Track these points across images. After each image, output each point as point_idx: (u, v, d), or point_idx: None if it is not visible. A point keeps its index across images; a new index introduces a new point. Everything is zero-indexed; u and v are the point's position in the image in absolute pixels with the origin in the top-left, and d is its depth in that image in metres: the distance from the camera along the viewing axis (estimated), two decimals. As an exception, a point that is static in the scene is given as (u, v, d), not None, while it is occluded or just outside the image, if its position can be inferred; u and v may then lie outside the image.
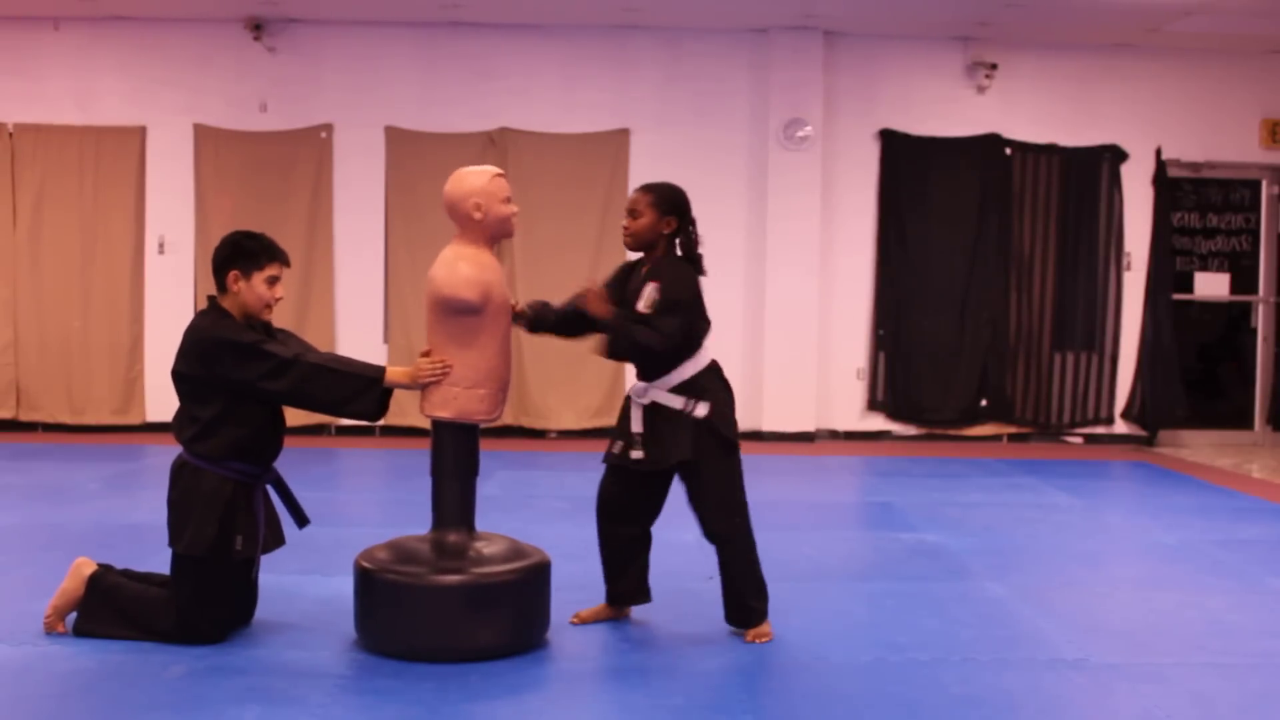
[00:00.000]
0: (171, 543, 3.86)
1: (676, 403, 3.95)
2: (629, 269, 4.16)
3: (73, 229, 9.13)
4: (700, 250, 4.07)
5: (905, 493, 7.12)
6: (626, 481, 4.09)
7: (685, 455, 3.93)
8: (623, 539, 4.16)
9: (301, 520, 4.12)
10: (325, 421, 9.09)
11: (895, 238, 9.46)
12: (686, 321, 3.93)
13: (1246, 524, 6.38)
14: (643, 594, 4.25)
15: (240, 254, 3.90)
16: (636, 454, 3.99)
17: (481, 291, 3.78)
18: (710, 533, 4.01)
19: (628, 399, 4.09)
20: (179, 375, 3.88)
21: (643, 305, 3.92)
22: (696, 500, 4.01)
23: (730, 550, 4.00)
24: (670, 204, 4.02)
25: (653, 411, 3.98)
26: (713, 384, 4.03)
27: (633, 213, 4.03)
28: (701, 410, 3.92)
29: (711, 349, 4.08)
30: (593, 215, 9.20)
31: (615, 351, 3.93)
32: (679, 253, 4.05)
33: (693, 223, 4.07)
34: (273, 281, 3.92)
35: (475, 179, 3.89)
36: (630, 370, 4.20)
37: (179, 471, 3.88)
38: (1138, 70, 9.52)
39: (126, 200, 9.18)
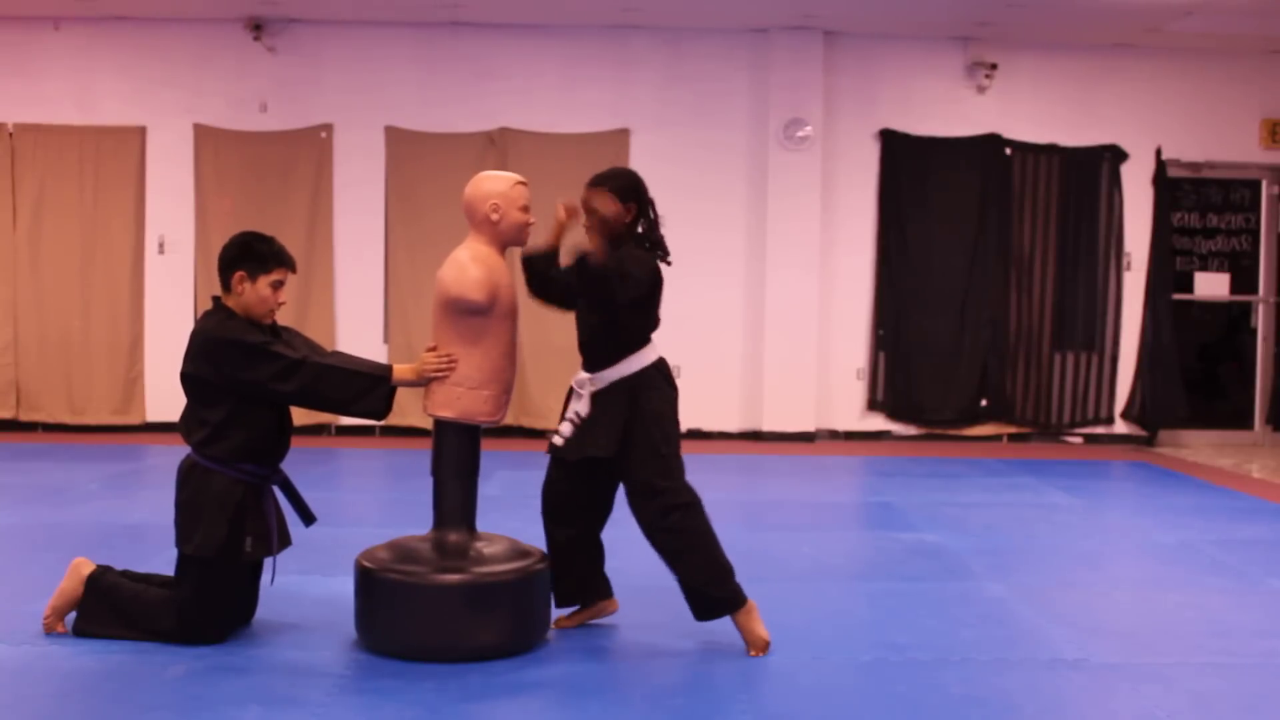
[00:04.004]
0: (180, 544, 3.85)
1: (571, 408, 3.93)
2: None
3: (73, 229, 9.12)
4: (661, 233, 3.97)
5: (905, 493, 7.12)
6: (566, 477, 4.02)
7: (606, 453, 3.85)
8: (562, 539, 4.06)
9: (308, 519, 4.12)
10: (325, 421, 9.09)
11: (895, 238, 9.46)
12: (642, 298, 3.83)
13: (1246, 524, 6.38)
14: (589, 592, 4.14)
15: (249, 256, 3.88)
16: (557, 439, 3.95)
17: (489, 293, 3.79)
18: (644, 533, 3.91)
19: (570, 389, 4.03)
20: (187, 377, 3.87)
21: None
22: (628, 496, 3.91)
23: (671, 554, 3.87)
24: (625, 191, 3.92)
25: (595, 401, 3.91)
26: (656, 383, 3.94)
27: (590, 211, 3.93)
28: (556, 438, 3.91)
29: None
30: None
31: (583, 273, 3.80)
32: (640, 233, 3.94)
33: (651, 203, 3.97)
34: (277, 286, 3.91)
35: (496, 183, 3.91)
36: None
37: (188, 472, 3.87)
38: (1138, 70, 9.52)
39: (126, 200, 9.18)
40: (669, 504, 3.85)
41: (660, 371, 3.96)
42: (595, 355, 3.95)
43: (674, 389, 4.00)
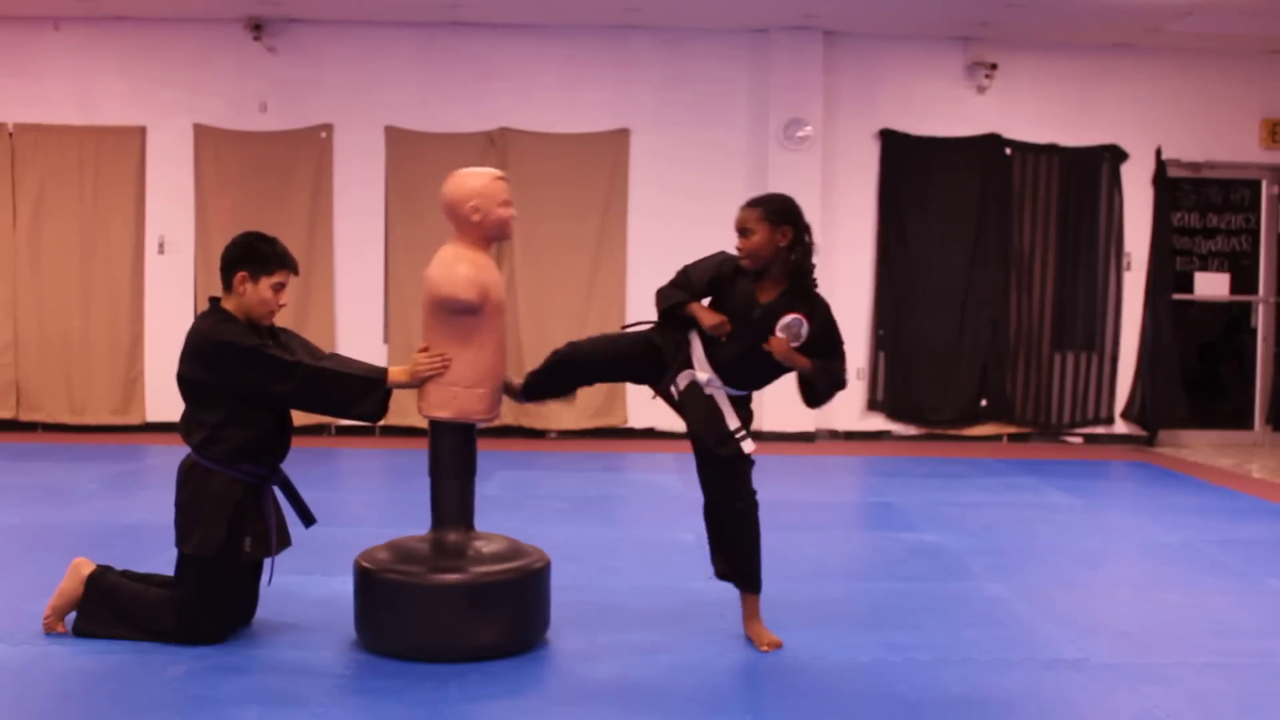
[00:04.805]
0: (179, 544, 3.86)
1: (732, 420, 3.90)
2: (731, 270, 3.97)
3: (73, 229, 9.13)
4: (814, 260, 3.96)
5: (905, 493, 7.12)
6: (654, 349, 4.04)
7: (739, 453, 3.91)
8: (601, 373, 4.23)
9: (308, 519, 4.12)
10: (325, 421, 9.08)
11: (895, 238, 9.46)
12: None
13: (1246, 524, 6.38)
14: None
15: (251, 256, 3.88)
16: (750, 446, 3.90)
17: (479, 291, 3.79)
18: (730, 508, 3.95)
19: (686, 385, 3.95)
20: (183, 379, 3.87)
21: (790, 337, 3.85)
22: (720, 480, 3.95)
23: (747, 519, 3.96)
24: (781, 214, 3.89)
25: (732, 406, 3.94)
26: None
27: (744, 231, 3.90)
28: (749, 446, 3.90)
29: None
30: (593, 215, 9.20)
31: (822, 399, 3.97)
32: (793, 258, 3.90)
33: (808, 229, 3.93)
34: (279, 288, 3.91)
35: (474, 180, 3.90)
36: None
37: (188, 472, 3.87)
38: (1138, 70, 9.52)
39: (126, 200, 9.18)
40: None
41: None
42: (756, 382, 3.97)
43: None
